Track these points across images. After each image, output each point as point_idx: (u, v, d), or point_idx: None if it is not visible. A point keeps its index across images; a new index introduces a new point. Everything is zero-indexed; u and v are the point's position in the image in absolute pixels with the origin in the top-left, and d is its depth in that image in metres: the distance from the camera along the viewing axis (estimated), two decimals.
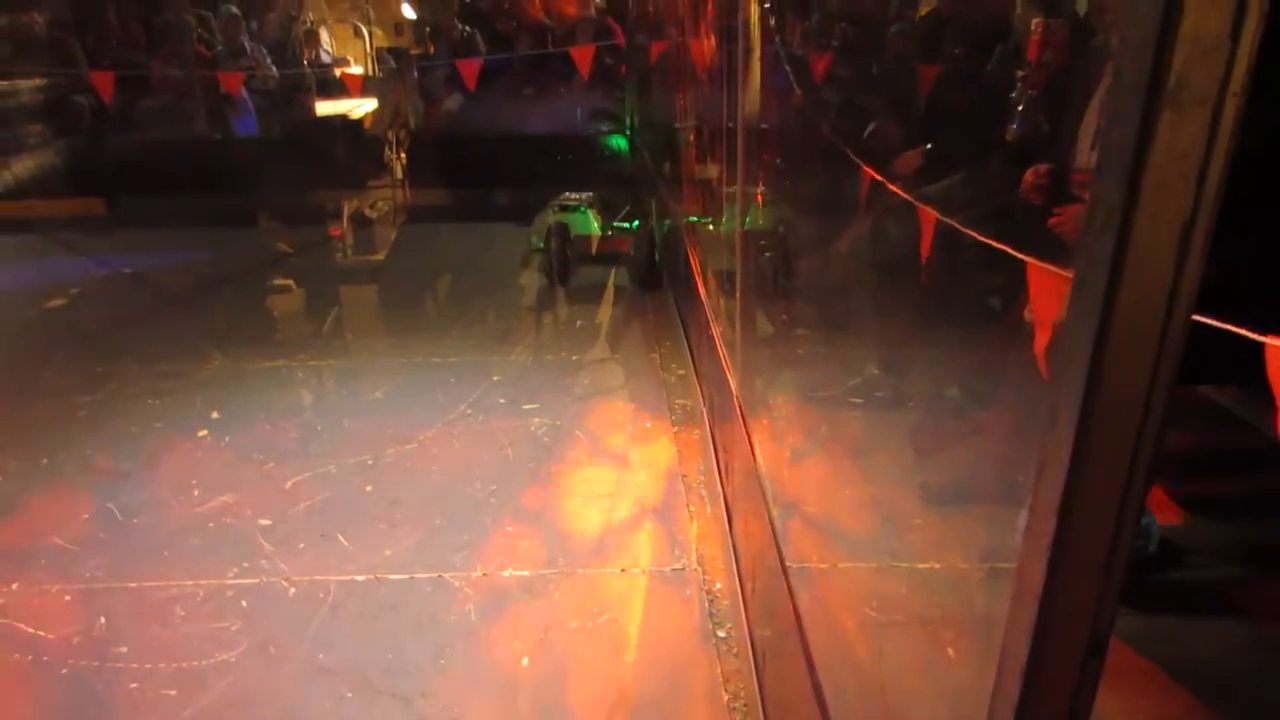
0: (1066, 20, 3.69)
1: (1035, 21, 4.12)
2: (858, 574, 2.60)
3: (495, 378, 3.92)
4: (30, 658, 2.30)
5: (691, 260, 3.86)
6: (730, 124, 2.95)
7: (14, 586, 2.59)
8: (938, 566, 2.58)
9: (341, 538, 2.79)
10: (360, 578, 2.59)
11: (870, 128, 4.70)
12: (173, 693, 2.17)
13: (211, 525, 2.88)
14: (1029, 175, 2.77)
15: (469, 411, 3.58)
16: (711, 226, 4.29)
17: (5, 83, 6.88)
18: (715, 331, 3.16)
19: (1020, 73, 3.86)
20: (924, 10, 5.72)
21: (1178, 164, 0.68)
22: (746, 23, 2.69)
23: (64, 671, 2.25)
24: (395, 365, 4.04)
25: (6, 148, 6.45)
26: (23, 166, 6.33)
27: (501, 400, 3.67)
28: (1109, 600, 0.84)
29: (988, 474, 2.81)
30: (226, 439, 3.42)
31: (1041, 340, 1.59)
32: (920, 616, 2.29)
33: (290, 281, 5.31)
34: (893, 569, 2.58)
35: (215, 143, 6.86)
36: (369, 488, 3.08)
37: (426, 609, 2.48)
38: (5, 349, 4.26)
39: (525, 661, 2.29)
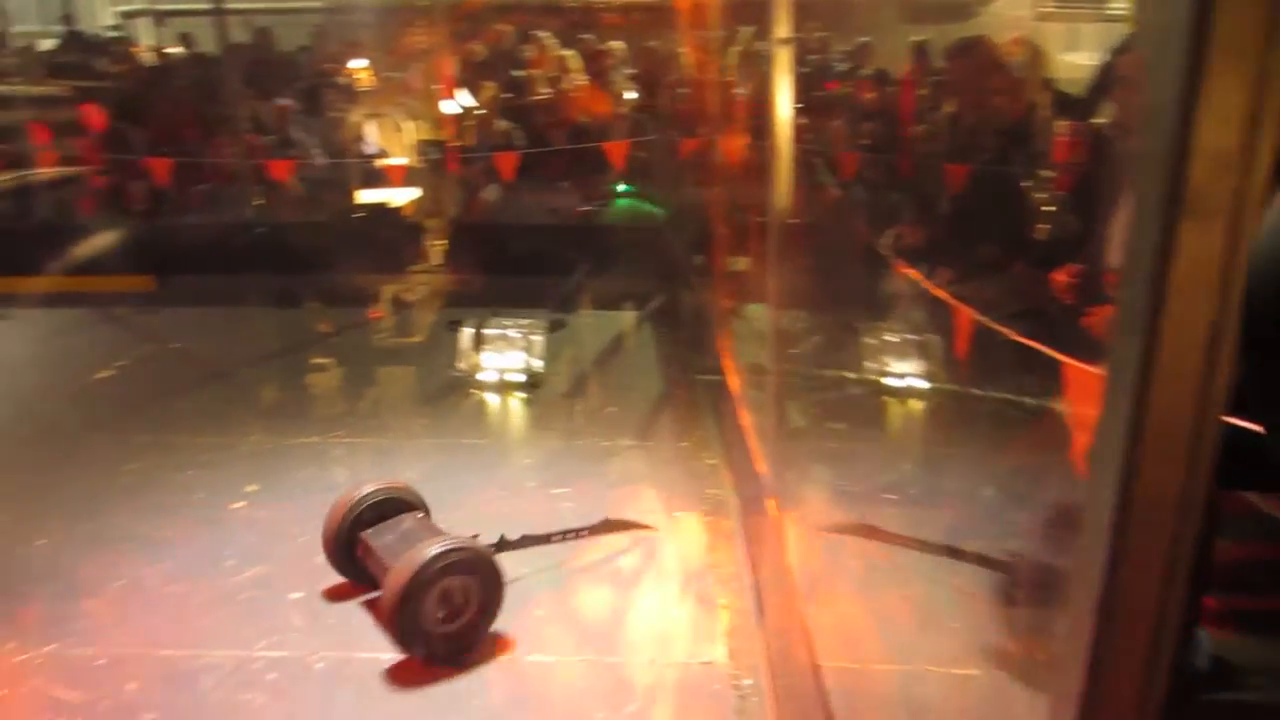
0: (1090, 125, 3.76)
1: (1060, 125, 4.20)
2: (891, 677, 2.53)
3: (526, 461, 3.94)
4: None
5: (723, 352, 3.91)
6: (761, 219, 3.03)
7: (48, 649, 2.62)
8: (976, 673, 2.49)
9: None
10: (386, 656, 2.58)
11: (896, 230, 4.78)
12: None
13: (243, 597, 2.91)
14: (1060, 275, 2.82)
15: (500, 494, 3.60)
16: (743, 319, 4.35)
17: (71, 169, 7.25)
18: (746, 423, 3.18)
19: (1047, 174, 3.93)
20: (947, 110, 5.83)
21: (1202, 271, 0.70)
22: (777, 122, 2.77)
23: None
24: (429, 445, 4.08)
25: (70, 230, 6.73)
26: (85, 248, 6.56)
27: (531, 484, 3.69)
28: (1150, 711, 0.82)
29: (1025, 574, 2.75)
30: (262, 512, 3.46)
31: (1080, 441, 1.58)
32: None
33: (329, 360, 5.42)
34: (928, 674, 2.51)
35: (263, 227, 7.11)
36: None
37: (446, 692, 2.47)
38: (54, 418, 4.36)
39: None
